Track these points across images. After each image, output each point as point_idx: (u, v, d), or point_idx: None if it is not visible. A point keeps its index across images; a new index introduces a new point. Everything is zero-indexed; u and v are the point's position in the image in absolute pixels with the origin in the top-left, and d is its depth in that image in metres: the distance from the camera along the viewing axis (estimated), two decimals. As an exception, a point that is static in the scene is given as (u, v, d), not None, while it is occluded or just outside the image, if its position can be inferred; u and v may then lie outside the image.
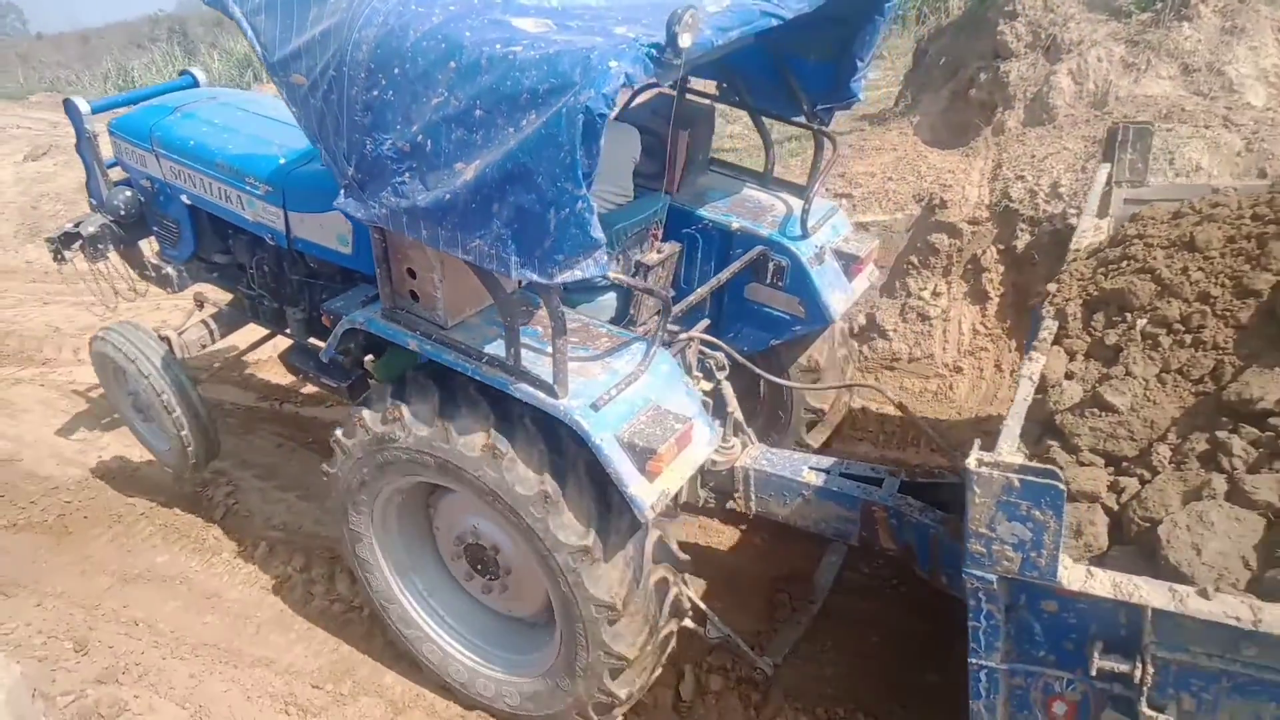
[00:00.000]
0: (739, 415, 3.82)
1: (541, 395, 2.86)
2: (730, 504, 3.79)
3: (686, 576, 3.44)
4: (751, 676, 3.88)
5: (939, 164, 6.54)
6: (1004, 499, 2.06)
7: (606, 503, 3.04)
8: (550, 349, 2.85)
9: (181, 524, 5.11)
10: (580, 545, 2.98)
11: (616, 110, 4.28)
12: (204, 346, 4.91)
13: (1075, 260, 3.15)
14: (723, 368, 3.70)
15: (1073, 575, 2.11)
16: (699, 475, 3.69)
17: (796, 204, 4.06)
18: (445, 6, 2.60)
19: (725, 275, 3.84)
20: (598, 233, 2.43)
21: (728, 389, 3.76)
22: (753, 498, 3.66)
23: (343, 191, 2.90)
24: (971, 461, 2.08)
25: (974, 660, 2.34)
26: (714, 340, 3.72)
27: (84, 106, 4.74)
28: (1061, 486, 2.00)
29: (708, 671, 3.93)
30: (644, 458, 2.81)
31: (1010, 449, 2.23)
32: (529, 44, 2.40)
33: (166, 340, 4.68)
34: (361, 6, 2.68)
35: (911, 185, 6.34)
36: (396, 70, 2.59)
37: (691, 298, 3.76)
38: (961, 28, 8.17)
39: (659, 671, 3.53)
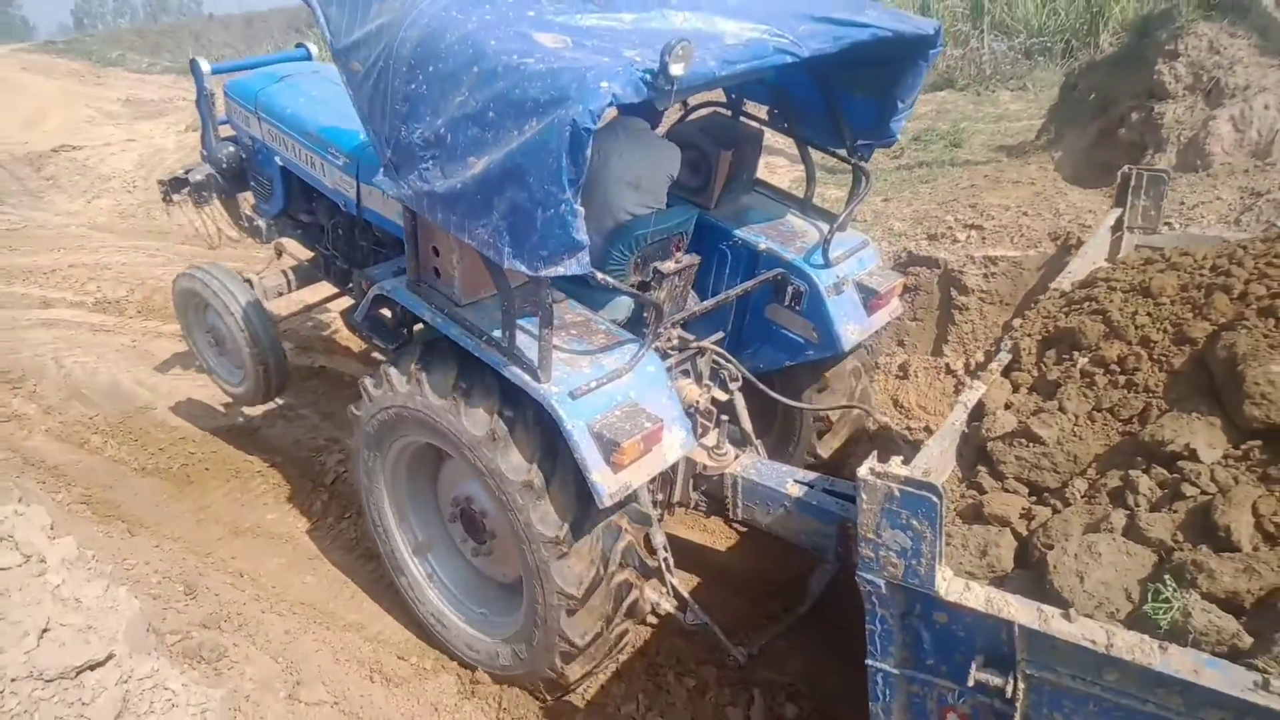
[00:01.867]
0: (748, 426, 4.01)
1: (527, 378, 3.10)
2: (722, 509, 3.94)
3: (671, 562, 3.65)
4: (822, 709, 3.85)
5: (1079, 202, 6.30)
6: (887, 507, 2.19)
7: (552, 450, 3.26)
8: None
9: (293, 485, 5.39)
10: (524, 481, 3.20)
11: (664, 127, 4.47)
12: (280, 293, 5.36)
13: (1049, 298, 3.24)
14: (735, 379, 3.87)
15: (951, 587, 2.22)
16: (691, 478, 3.92)
17: (827, 229, 4.15)
18: (481, 15, 2.84)
19: (735, 291, 4.01)
20: (580, 235, 2.62)
21: (739, 400, 3.96)
22: (739, 504, 3.81)
23: (382, 170, 3.20)
24: (863, 470, 2.22)
25: (870, 662, 2.46)
26: (724, 354, 3.88)
27: (206, 67, 5.21)
28: (935, 500, 2.11)
29: (785, 699, 3.86)
30: (610, 449, 3.01)
31: (919, 465, 2.35)
32: (540, 58, 2.62)
33: (249, 282, 5.11)
34: (411, 8, 2.94)
35: (1048, 222, 6.12)
36: (431, 68, 2.84)
37: (695, 308, 3.95)
38: (1115, 64, 7.86)
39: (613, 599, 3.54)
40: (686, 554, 4.65)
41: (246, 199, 5.69)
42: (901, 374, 5.96)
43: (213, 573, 4.70)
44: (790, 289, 4.07)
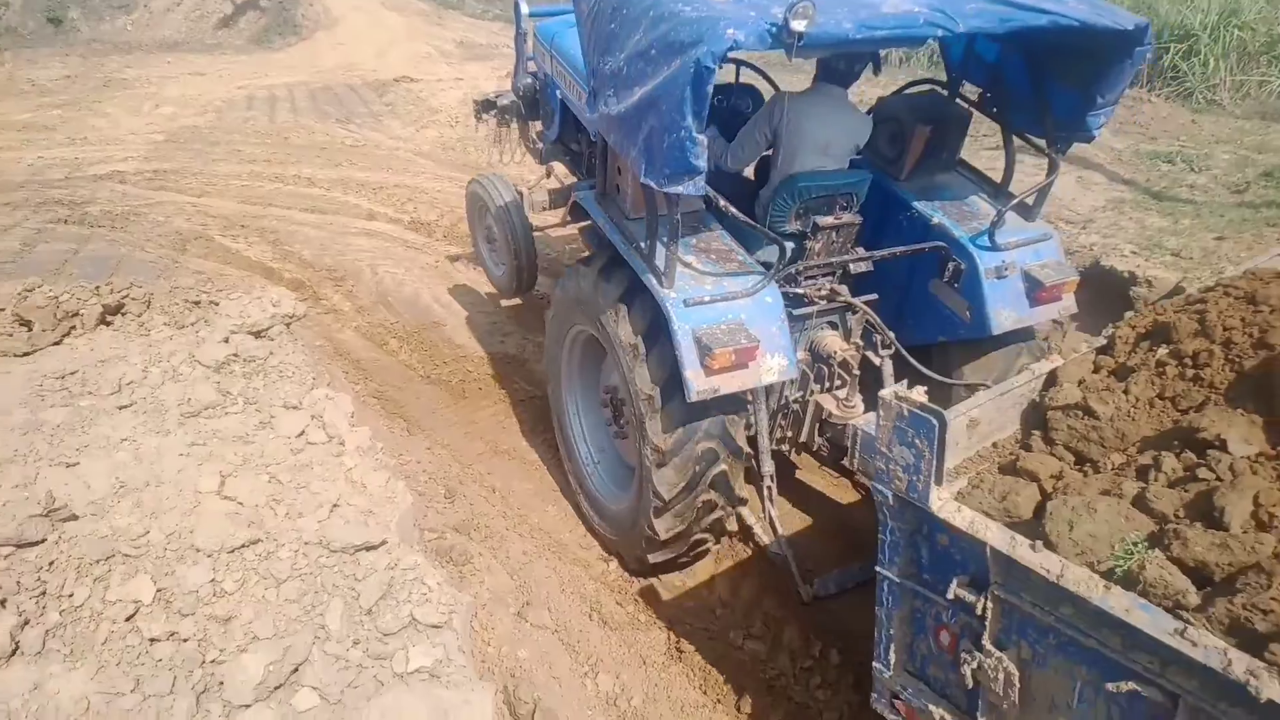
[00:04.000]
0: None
1: (654, 282, 3.61)
2: (841, 458, 4.21)
3: (774, 492, 4.07)
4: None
5: None
6: (898, 425, 2.45)
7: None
8: (686, 254, 3.66)
9: (548, 418, 5.69)
10: (648, 395, 3.73)
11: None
12: (543, 208, 6.09)
13: (1175, 297, 3.28)
14: (888, 346, 4.10)
15: (945, 507, 2.44)
16: (818, 424, 4.29)
17: (1013, 218, 4.23)
18: None
19: (882, 253, 4.17)
20: (697, 161, 3.06)
21: (887, 367, 4.16)
22: (857, 455, 3.98)
23: (587, 98, 3.76)
24: (885, 392, 2.48)
25: (878, 569, 2.72)
26: (873, 315, 4.11)
27: (525, 9, 6.14)
28: (934, 422, 2.35)
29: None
30: (705, 353, 3.46)
31: (962, 410, 2.73)
32: (696, 7, 3.06)
33: (520, 193, 6.03)
34: None
35: None
36: (625, 11, 3.37)
37: (841, 257, 4.17)
38: None
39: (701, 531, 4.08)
40: (810, 499, 4.97)
41: (536, 125, 6.56)
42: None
43: (470, 483, 5.15)
44: (951, 265, 4.19)
